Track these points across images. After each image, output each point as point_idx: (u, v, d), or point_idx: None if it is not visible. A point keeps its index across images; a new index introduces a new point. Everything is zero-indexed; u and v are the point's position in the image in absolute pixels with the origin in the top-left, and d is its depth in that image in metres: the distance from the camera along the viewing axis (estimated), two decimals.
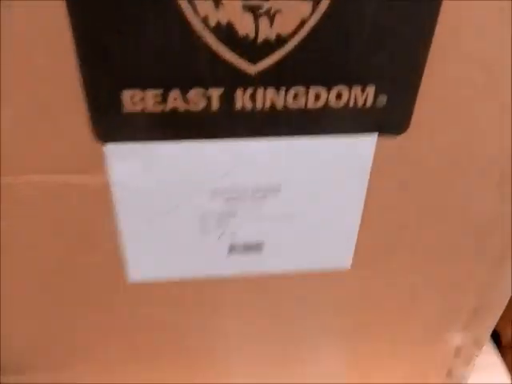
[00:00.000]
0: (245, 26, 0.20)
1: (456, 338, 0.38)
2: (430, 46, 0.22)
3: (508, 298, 0.35)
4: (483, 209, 0.29)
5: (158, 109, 0.22)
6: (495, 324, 0.38)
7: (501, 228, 0.30)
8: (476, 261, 0.32)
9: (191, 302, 0.32)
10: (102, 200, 0.25)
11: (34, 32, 0.20)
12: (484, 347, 0.40)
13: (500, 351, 0.49)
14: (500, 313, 0.37)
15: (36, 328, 0.33)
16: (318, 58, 0.22)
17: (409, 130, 0.25)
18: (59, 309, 0.31)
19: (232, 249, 0.28)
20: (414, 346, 0.39)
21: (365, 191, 0.27)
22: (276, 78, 0.22)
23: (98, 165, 0.24)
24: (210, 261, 0.28)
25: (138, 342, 0.35)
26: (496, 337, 0.50)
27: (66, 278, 0.29)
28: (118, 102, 0.22)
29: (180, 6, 0.19)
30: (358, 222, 0.28)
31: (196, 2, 0.19)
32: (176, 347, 0.36)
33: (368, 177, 0.26)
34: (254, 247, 0.28)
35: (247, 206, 0.27)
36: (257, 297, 0.33)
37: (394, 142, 0.25)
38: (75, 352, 0.35)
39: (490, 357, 0.48)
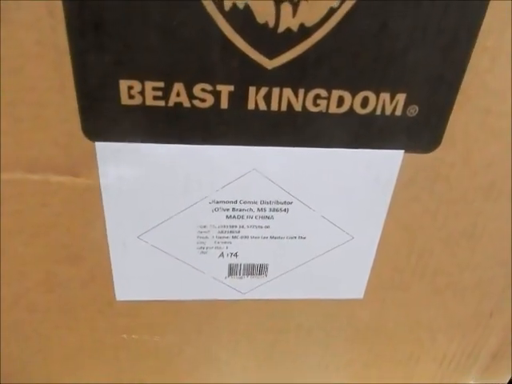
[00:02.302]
0: (264, 12, 0.18)
1: (473, 380, 0.36)
2: (472, 48, 0.19)
3: None
4: None
5: (159, 104, 0.19)
6: None
7: None
8: (502, 298, 0.29)
9: (183, 326, 0.29)
10: (89, 205, 0.22)
11: (23, 16, 0.17)
12: None
13: None
14: None
15: (9, 347, 0.29)
16: (345, 56, 0.19)
17: (441, 145, 0.22)
18: (36, 326, 0.28)
19: (232, 271, 0.25)
20: None
21: (385, 213, 0.24)
22: (295, 76, 0.19)
23: (87, 166, 0.21)
24: (206, 282, 0.25)
25: (122, 368, 0.31)
26: None
27: (46, 289, 0.26)
28: (114, 94, 0.19)
29: None
30: (375, 247, 0.25)
31: None
32: (164, 375, 0.32)
33: (390, 196, 0.23)
34: (257, 270, 0.25)
35: (251, 223, 0.24)
36: (257, 326, 0.30)
37: (423, 158, 0.22)
38: (54, 371, 0.32)
39: None
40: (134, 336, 0.28)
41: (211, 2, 0.17)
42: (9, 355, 0.30)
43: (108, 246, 0.24)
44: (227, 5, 0.17)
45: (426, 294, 0.29)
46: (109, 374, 0.32)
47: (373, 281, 0.27)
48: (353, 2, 0.17)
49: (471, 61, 0.19)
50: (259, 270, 0.25)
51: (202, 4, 0.17)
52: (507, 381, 0.36)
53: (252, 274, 0.26)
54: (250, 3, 0.17)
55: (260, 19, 0.18)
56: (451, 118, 0.21)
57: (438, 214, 0.25)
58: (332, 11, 0.18)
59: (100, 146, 0.20)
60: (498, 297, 0.29)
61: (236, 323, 0.29)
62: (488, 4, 0.18)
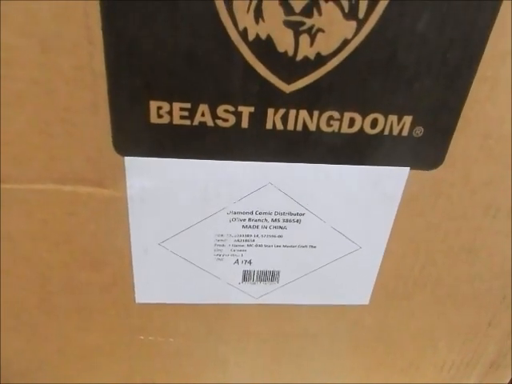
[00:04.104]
0: (284, 42, 0.19)
1: None
2: (474, 77, 0.21)
3: None
4: (510, 253, 0.28)
5: (185, 123, 0.21)
6: (510, 380, 0.36)
7: None
8: (501, 309, 0.31)
9: (194, 329, 0.30)
10: (114, 215, 0.24)
11: (61, 34, 0.19)
12: None
13: None
14: None
15: (30, 346, 0.31)
16: (356, 81, 0.20)
17: (443, 164, 0.23)
18: (57, 328, 0.29)
19: (246, 277, 0.27)
20: None
21: (391, 226, 0.25)
22: (310, 99, 0.21)
23: (115, 178, 0.23)
24: (221, 287, 0.27)
25: (136, 367, 0.33)
26: None
27: (69, 294, 0.28)
28: (144, 113, 0.21)
29: (219, 16, 0.18)
30: (381, 256, 0.27)
31: (236, 13, 0.18)
32: (174, 375, 0.34)
33: (396, 210, 0.25)
34: (269, 276, 0.27)
35: (266, 232, 0.25)
36: (265, 330, 0.31)
37: (427, 176, 0.24)
38: (70, 370, 0.33)
39: None
40: (150, 338, 0.30)
41: (236, 33, 0.19)
42: (27, 354, 0.31)
43: (129, 253, 0.25)
44: (251, 35, 0.19)
45: (428, 303, 0.30)
46: (122, 374, 0.33)
47: (378, 289, 0.29)
48: (365, 34, 0.19)
49: (472, 89, 0.21)
50: (271, 276, 0.27)
51: (227, 34, 0.19)
52: None
53: (264, 280, 0.27)
54: (271, 34, 0.19)
55: (280, 48, 0.19)
56: (453, 140, 0.23)
57: (440, 228, 0.26)
58: (346, 42, 0.19)
59: (128, 160, 0.22)
60: (495, 307, 0.31)
61: (245, 327, 0.31)
62: (488, 38, 0.19)
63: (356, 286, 0.28)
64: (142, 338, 0.30)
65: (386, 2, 0.19)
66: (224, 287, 0.27)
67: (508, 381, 0.37)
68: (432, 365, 0.35)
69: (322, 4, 0.18)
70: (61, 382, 0.34)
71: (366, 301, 0.29)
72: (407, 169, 0.23)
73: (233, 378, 0.35)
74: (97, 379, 0.33)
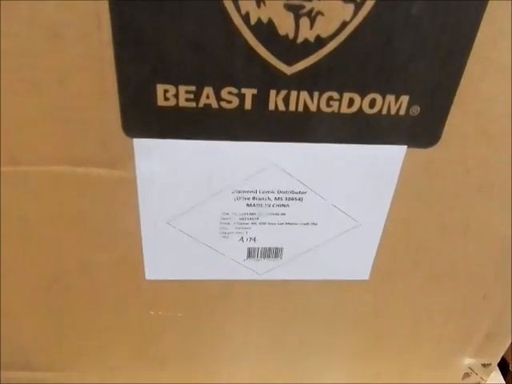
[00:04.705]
0: (285, 25, 0.20)
1: (466, 363, 0.38)
2: (467, 59, 0.22)
3: None
4: (502, 231, 0.29)
5: (190, 105, 0.22)
6: (505, 351, 0.38)
7: None
8: (495, 284, 0.32)
9: (201, 305, 0.32)
10: (124, 195, 0.25)
11: (70, 20, 0.20)
12: (491, 373, 0.40)
13: (506, 379, 0.48)
14: (510, 340, 0.36)
15: (45, 325, 0.32)
16: (355, 63, 0.21)
17: (438, 143, 0.24)
18: (70, 306, 0.31)
19: (250, 253, 0.28)
20: (425, 369, 0.38)
21: (389, 202, 0.26)
22: (311, 81, 0.22)
23: (125, 160, 0.24)
24: (227, 264, 0.28)
25: (146, 342, 0.34)
26: (503, 364, 0.49)
27: (80, 274, 0.29)
28: (151, 96, 0.21)
29: (222, 1, 0.19)
30: (380, 233, 0.28)
31: None
32: (182, 351, 0.35)
33: (394, 187, 0.26)
34: (273, 253, 0.28)
35: (269, 212, 0.26)
36: (268, 307, 0.32)
37: (423, 154, 0.25)
38: (82, 350, 0.34)
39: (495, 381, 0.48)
40: (160, 312, 0.31)
41: (239, 17, 0.20)
42: (41, 333, 0.33)
43: (139, 232, 0.27)
44: (253, 19, 0.20)
45: (425, 279, 0.31)
46: (133, 349, 0.34)
47: (376, 267, 0.30)
48: (362, 17, 0.20)
49: (466, 69, 0.22)
50: (275, 253, 0.28)
51: (230, 19, 0.20)
52: (499, 359, 0.39)
53: (268, 256, 0.28)
54: (272, 17, 0.20)
55: (281, 31, 0.20)
56: (448, 119, 0.23)
57: (435, 207, 0.27)
58: (344, 25, 0.20)
59: (137, 141, 0.23)
60: (489, 281, 0.32)
61: (249, 304, 0.32)
62: (480, 22, 0.20)
63: (356, 262, 0.29)
64: (152, 313, 0.31)
65: None
66: (229, 264, 0.28)
67: (503, 352, 0.38)
68: (429, 338, 0.36)
69: None
70: (74, 359, 0.35)
71: (365, 276, 0.30)
72: (404, 147, 0.24)
73: (239, 354, 0.36)
74: (109, 353, 0.35)
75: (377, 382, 0.39)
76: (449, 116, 0.24)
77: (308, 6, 0.20)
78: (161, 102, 0.22)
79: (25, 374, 0.35)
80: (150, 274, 0.28)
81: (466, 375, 0.39)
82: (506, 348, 0.37)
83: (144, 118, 0.22)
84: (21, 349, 0.33)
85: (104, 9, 0.19)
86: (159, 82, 0.21)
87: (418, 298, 0.33)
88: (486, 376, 0.40)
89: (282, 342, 0.35)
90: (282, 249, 0.28)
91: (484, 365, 0.39)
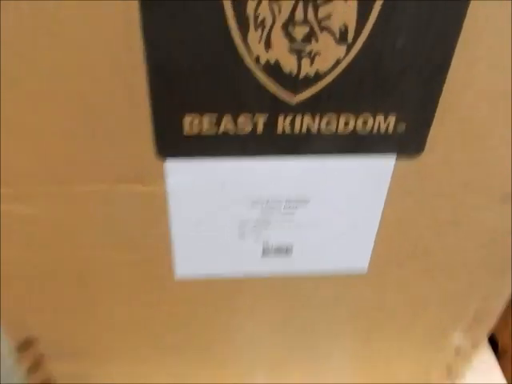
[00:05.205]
0: (289, 64, 0.24)
1: (457, 339, 0.41)
2: (445, 80, 0.25)
3: (506, 305, 0.38)
4: (489, 224, 0.32)
5: (212, 131, 0.26)
6: (492, 327, 0.40)
7: (503, 242, 0.33)
8: (481, 272, 0.35)
9: (217, 301, 0.35)
10: (156, 207, 0.29)
11: (106, 49, 0.23)
12: (482, 350, 0.43)
13: (496, 355, 0.52)
14: (497, 317, 0.39)
15: (72, 321, 0.36)
16: (349, 90, 0.25)
17: (424, 152, 0.28)
18: (99, 304, 0.35)
19: (265, 252, 0.32)
20: (420, 346, 0.42)
21: (383, 205, 0.30)
22: (312, 107, 0.26)
23: (156, 177, 0.28)
24: (245, 262, 0.32)
25: (166, 337, 0.38)
26: (494, 341, 0.52)
27: (109, 273, 0.32)
28: (179, 126, 0.25)
29: (236, 47, 0.23)
30: (376, 229, 0.32)
31: (250, 44, 0.23)
32: (196, 341, 0.38)
33: (386, 192, 0.30)
34: (284, 250, 0.32)
35: (280, 215, 0.30)
36: (275, 302, 0.36)
37: (411, 163, 0.28)
38: (103, 339, 0.38)
39: (486, 359, 0.51)
40: (182, 307, 0.35)
41: (250, 60, 0.24)
42: (67, 331, 0.36)
43: (167, 238, 0.31)
44: (262, 60, 0.24)
45: (420, 272, 0.34)
46: (149, 341, 0.38)
47: (374, 261, 0.33)
48: (354, 54, 0.24)
49: (447, 83, 0.25)
50: (286, 251, 0.32)
51: (244, 61, 0.24)
52: (486, 339, 0.42)
53: (280, 253, 0.32)
54: (279, 59, 0.24)
55: (286, 69, 0.24)
56: (431, 131, 0.27)
57: (426, 205, 0.31)
58: (338, 61, 0.24)
59: (168, 163, 0.27)
60: (477, 272, 0.35)
61: (255, 300, 0.35)
62: (454, 50, 0.24)
63: (355, 258, 0.33)
64: (175, 309, 0.35)
65: (370, 28, 0.23)
66: (247, 262, 0.32)
67: (489, 330, 0.41)
68: (424, 324, 0.39)
69: (318, 33, 0.23)
70: (102, 355, 0.39)
71: (364, 270, 0.34)
72: (394, 158, 0.28)
73: (250, 344, 0.40)
74: (125, 345, 0.38)
75: (376, 361, 0.43)
76: (433, 126, 0.27)
77: (307, 48, 0.23)
78: (187, 130, 0.26)
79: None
80: (179, 272, 0.32)
81: (458, 349, 0.42)
82: (492, 324, 0.40)
83: (173, 143, 0.26)
84: (48, 346, 0.37)
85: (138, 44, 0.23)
86: (187, 113, 0.25)
87: (413, 290, 0.36)
88: (476, 350, 0.43)
89: (288, 330, 0.38)
90: (291, 247, 0.32)
91: (474, 340, 0.41)
